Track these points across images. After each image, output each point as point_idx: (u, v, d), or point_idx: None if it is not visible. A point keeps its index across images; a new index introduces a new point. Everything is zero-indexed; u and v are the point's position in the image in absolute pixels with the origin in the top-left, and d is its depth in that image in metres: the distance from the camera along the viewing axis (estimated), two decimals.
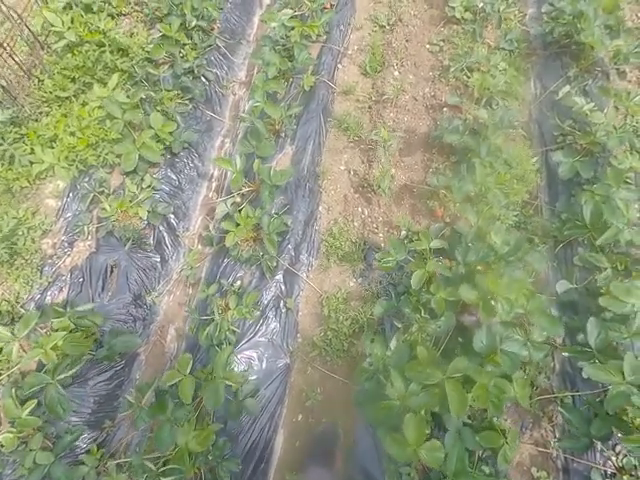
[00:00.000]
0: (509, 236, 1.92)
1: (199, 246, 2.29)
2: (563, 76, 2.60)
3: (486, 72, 2.37)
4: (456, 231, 2.08)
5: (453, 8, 2.60)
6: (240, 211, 2.10)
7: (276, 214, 2.08)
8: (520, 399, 1.57)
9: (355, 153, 2.38)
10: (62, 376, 1.59)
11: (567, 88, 2.49)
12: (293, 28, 2.38)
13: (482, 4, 2.55)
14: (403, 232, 2.08)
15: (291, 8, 2.66)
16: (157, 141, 2.14)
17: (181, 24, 2.38)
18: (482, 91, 2.30)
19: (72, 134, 2.00)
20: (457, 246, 1.94)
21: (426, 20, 2.75)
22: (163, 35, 2.31)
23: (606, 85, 2.53)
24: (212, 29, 2.66)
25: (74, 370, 1.65)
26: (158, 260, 2.16)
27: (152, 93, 2.21)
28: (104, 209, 1.98)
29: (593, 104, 2.22)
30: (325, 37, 2.65)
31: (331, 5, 2.79)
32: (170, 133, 2.17)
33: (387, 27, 2.71)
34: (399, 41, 2.64)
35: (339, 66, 2.61)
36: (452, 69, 2.42)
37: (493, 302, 1.62)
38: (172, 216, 2.23)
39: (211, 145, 2.53)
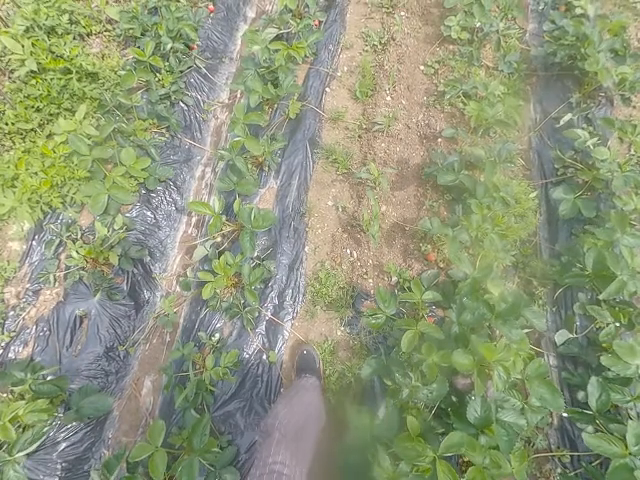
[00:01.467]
0: (506, 289, 1.82)
1: (177, 288, 2.15)
2: (565, 101, 2.46)
3: (483, 101, 2.22)
4: (450, 279, 1.96)
5: (449, 27, 2.44)
6: (219, 255, 1.96)
7: (258, 260, 1.94)
8: (517, 475, 1.47)
9: (344, 187, 2.24)
10: (22, 453, 1.45)
11: (569, 116, 2.36)
12: (277, 51, 2.21)
13: (479, 24, 2.39)
14: (394, 278, 1.95)
15: (276, 26, 2.49)
16: (130, 177, 1.98)
17: (156, 46, 2.20)
18: (479, 121, 2.16)
19: (34, 174, 1.83)
20: (451, 299, 1.83)
21: (420, 39, 2.59)
22: (137, 60, 2.13)
23: (610, 115, 2.40)
24: (191, 48, 2.48)
25: (37, 444, 1.51)
26: (132, 306, 2.01)
27: (124, 125, 2.04)
28: (71, 257, 1.83)
29: (597, 138, 2.09)
30: (312, 58, 2.48)
31: (319, 22, 2.61)
32: (144, 169, 2.01)
33: (379, 47, 2.53)
34: (391, 62, 2.47)
35: (327, 90, 2.45)
36: (447, 96, 2.27)
37: (488, 370, 1.51)
38: (148, 257, 2.09)
39: (191, 175, 2.37)
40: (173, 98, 2.24)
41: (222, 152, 1.98)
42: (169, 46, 2.18)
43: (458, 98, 2.28)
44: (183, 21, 2.22)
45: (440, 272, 1.92)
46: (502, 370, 1.49)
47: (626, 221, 1.90)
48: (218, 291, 1.86)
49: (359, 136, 2.32)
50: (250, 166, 2.11)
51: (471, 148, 1.99)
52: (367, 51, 2.55)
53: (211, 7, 2.61)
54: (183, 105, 2.37)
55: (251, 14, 2.86)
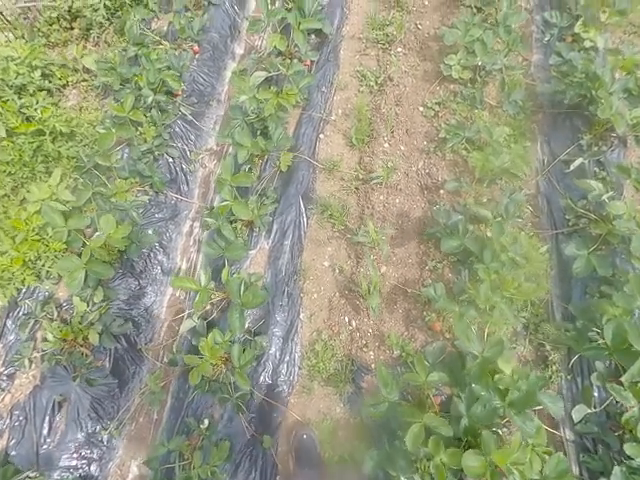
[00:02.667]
0: (518, 368, 1.68)
1: (165, 358, 2.01)
2: (574, 142, 2.29)
3: (487, 148, 2.07)
4: (458, 351, 1.81)
5: (449, 67, 2.28)
6: (208, 327, 1.83)
7: (249, 334, 1.80)
8: None
9: (341, 245, 2.09)
10: None
11: (579, 160, 2.20)
12: (266, 99, 2.07)
13: (481, 62, 2.24)
14: (396, 352, 1.81)
15: (264, 69, 2.34)
16: (109, 248, 1.84)
17: (137, 98, 2.05)
18: (484, 172, 2.01)
19: (5, 253, 1.70)
20: (459, 377, 1.68)
21: (419, 77, 2.43)
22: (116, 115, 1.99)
23: (623, 157, 2.24)
24: (175, 95, 2.33)
25: None
26: (116, 384, 1.87)
27: (103, 189, 1.90)
28: (47, 341, 1.69)
29: (611, 191, 1.95)
30: (304, 102, 2.33)
31: (311, 62, 2.46)
32: (126, 237, 1.88)
33: (375, 87, 2.38)
34: (389, 105, 2.32)
35: (321, 136, 2.30)
36: (449, 143, 2.12)
37: (503, 474, 1.37)
38: (132, 328, 1.95)
39: (178, 232, 2.23)
40: (156, 153, 2.10)
41: (208, 220, 1.85)
42: (150, 99, 2.04)
43: (461, 145, 2.13)
44: (165, 71, 2.07)
45: (446, 344, 1.78)
46: (518, 475, 1.36)
47: None
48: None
49: (356, 188, 2.18)
50: (239, 227, 1.97)
51: (476, 207, 1.84)
52: (362, 92, 2.40)
53: (196, 48, 2.46)
54: (168, 157, 2.23)
55: (239, 50, 2.71)
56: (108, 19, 2.33)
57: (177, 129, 2.34)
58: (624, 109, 2.06)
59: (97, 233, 1.89)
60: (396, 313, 1.94)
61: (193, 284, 1.71)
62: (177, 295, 2.14)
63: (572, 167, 2.20)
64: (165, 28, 2.50)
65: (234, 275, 1.85)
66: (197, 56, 2.49)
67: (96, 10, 2.22)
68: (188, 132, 2.38)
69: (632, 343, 1.63)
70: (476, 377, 1.59)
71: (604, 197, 1.90)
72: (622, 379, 1.60)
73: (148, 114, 2.13)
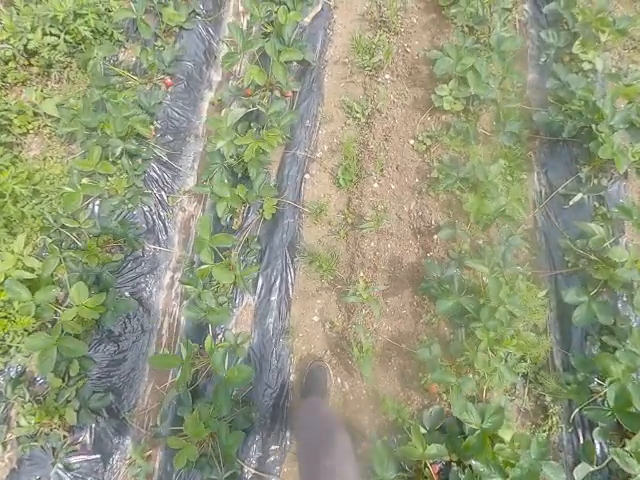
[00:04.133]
0: (520, 434, 1.61)
1: (151, 423, 1.92)
2: (573, 173, 2.18)
3: (483, 188, 1.96)
4: (456, 420, 1.73)
5: (441, 98, 2.13)
6: (192, 398, 1.73)
7: (236, 407, 1.70)
8: None
9: (331, 297, 1.98)
10: None
11: (579, 196, 2.10)
12: (247, 146, 1.92)
13: (474, 92, 2.10)
14: (392, 417, 1.73)
15: (243, 104, 2.17)
16: (82, 320, 1.72)
17: (105, 147, 1.89)
18: (479, 217, 1.90)
19: None
20: (458, 447, 1.61)
21: (409, 105, 2.28)
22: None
23: (624, 189, 2.14)
24: (146, 138, 2.16)
25: None
26: (99, 459, 1.78)
27: (72, 253, 1.76)
28: (20, 426, 1.59)
29: (613, 238, 1.85)
30: (288, 141, 2.17)
31: (293, 93, 2.30)
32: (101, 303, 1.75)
33: (362, 119, 2.23)
34: (377, 140, 2.18)
35: (306, 176, 2.16)
36: (442, 185, 2.00)
37: None
38: (112, 398, 1.85)
39: (158, 286, 2.10)
40: (130, 205, 1.95)
41: (187, 287, 1.72)
42: (119, 149, 1.87)
43: (455, 185, 2.01)
44: (134, 117, 1.90)
45: (443, 409, 1.71)
46: None
47: None
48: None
49: (345, 233, 2.05)
50: (222, 285, 1.85)
51: (472, 261, 1.74)
52: (349, 125, 2.25)
53: (168, 81, 2.27)
54: (143, 206, 2.09)
55: (216, 77, 2.53)
56: (70, 54, 2.13)
57: (152, 172, 2.18)
58: (625, 146, 1.94)
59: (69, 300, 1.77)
60: (391, 371, 1.85)
61: (174, 360, 1.60)
62: (160, 354, 2.04)
63: (571, 203, 2.09)
64: (134, 59, 2.31)
65: (218, 343, 1.74)
66: (170, 89, 2.31)
67: (55, 47, 2.02)
68: (164, 174, 2.22)
69: (636, 406, 1.57)
70: (476, 450, 1.53)
71: (606, 244, 1.80)
72: (627, 448, 1.54)
73: (118, 162, 1.97)
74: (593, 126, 1.96)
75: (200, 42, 2.47)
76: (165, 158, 2.20)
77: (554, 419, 1.85)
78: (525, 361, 1.88)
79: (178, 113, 2.33)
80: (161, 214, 2.15)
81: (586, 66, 2.24)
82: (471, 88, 2.07)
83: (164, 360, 1.62)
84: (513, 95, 2.25)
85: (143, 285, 2.04)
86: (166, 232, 2.16)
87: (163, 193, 2.18)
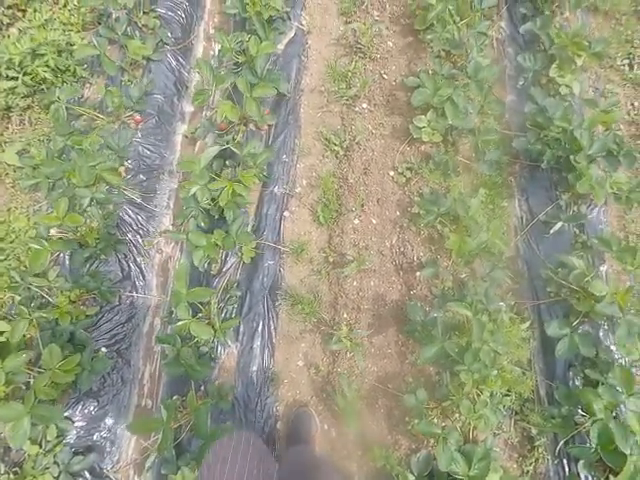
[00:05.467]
0: (507, 477, 1.62)
1: (137, 478, 1.88)
2: (553, 200, 2.18)
3: (464, 224, 1.94)
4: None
5: (419, 129, 2.10)
6: (176, 455, 1.69)
7: None
8: None
9: (315, 339, 1.95)
10: None
11: (559, 224, 2.10)
12: (222, 190, 1.85)
13: (453, 123, 2.06)
14: (380, 464, 1.72)
15: (217, 142, 2.10)
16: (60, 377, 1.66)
17: (71, 198, 1.81)
18: (460, 254, 1.89)
19: None
20: None
21: (387, 135, 2.24)
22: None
23: (604, 216, 2.15)
24: (120, 175, 2.08)
25: None
26: None
27: (43, 314, 1.69)
28: None
29: (593, 272, 1.85)
30: (264, 178, 2.11)
31: (269, 126, 2.23)
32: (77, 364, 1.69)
33: (341, 152, 2.18)
34: (357, 174, 2.14)
35: (286, 214, 2.11)
36: (424, 221, 1.97)
37: None
38: (94, 457, 1.79)
39: (137, 334, 2.03)
40: (102, 257, 1.88)
41: (164, 345, 1.67)
42: (87, 200, 1.79)
43: (436, 221, 1.99)
44: (101, 164, 1.81)
45: (431, 454, 1.70)
46: None
47: (632, 381, 1.70)
48: None
49: (327, 272, 2.02)
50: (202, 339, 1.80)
51: (455, 305, 1.72)
52: (327, 157, 2.20)
53: (137, 117, 2.18)
54: (118, 253, 2.01)
55: (189, 108, 2.43)
56: (30, 95, 2.02)
57: (125, 216, 2.11)
58: (603, 176, 1.94)
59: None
60: (377, 414, 1.84)
61: (154, 424, 1.56)
62: (143, 405, 1.99)
63: (552, 231, 2.09)
64: (100, 96, 2.21)
65: (201, 398, 1.70)
66: (140, 125, 2.22)
67: (14, 89, 1.92)
68: (138, 216, 2.14)
69: (618, 445, 1.59)
70: None
71: (587, 279, 1.81)
72: None
73: (88, 210, 1.89)
74: (571, 157, 1.95)
75: (170, 73, 2.37)
76: (138, 200, 2.12)
77: (540, 450, 1.87)
78: (510, 395, 1.89)
79: (150, 150, 2.24)
80: (137, 259, 2.08)
81: (563, 90, 2.23)
82: (449, 119, 2.04)
83: (144, 425, 1.58)
84: (492, 120, 2.23)
85: (121, 336, 1.97)
86: (143, 277, 2.09)
87: (138, 237, 2.11)
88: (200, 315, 1.81)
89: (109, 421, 1.88)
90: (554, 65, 2.25)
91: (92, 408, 1.85)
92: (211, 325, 1.73)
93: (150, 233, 2.15)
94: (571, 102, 2.25)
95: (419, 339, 1.73)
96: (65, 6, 2.24)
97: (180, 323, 1.64)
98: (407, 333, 1.83)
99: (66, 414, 1.78)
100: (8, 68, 1.90)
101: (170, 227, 2.22)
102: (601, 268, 2.05)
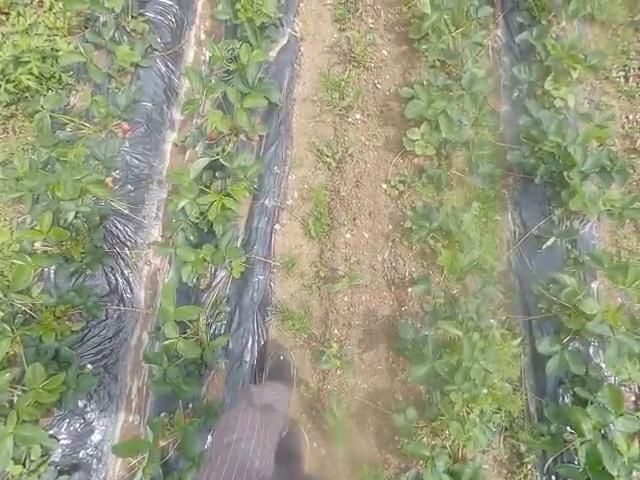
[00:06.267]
0: None
1: None
2: (546, 214, 2.16)
3: (456, 241, 1.92)
4: None
5: (413, 142, 2.07)
6: (164, 470, 1.67)
7: None
8: None
9: (305, 355, 1.93)
10: None
11: (551, 240, 2.08)
12: (211, 204, 1.82)
13: (446, 137, 2.03)
14: None
15: (207, 153, 2.05)
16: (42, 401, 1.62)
17: (55, 212, 1.76)
18: (452, 270, 1.87)
19: None
20: None
21: (380, 146, 2.21)
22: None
23: (596, 231, 2.14)
24: (107, 186, 2.04)
25: None
26: None
27: (27, 332, 1.65)
28: None
29: (584, 291, 1.85)
30: (255, 190, 2.07)
31: (260, 137, 2.19)
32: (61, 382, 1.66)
33: (333, 164, 2.15)
34: (349, 186, 2.11)
35: (277, 227, 2.07)
36: (416, 236, 1.95)
37: None
38: (80, 476, 1.77)
39: (125, 348, 2.00)
40: (88, 271, 1.84)
41: (151, 365, 1.64)
42: (72, 215, 1.75)
43: (428, 236, 1.97)
44: (87, 177, 1.76)
45: (420, 473, 1.70)
46: None
47: (621, 401, 1.70)
48: None
49: (318, 287, 1.99)
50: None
51: (446, 324, 1.71)
52: (319, 169, 2.16)
53: (125, 126, 2.12)
54: (104, 267, 1.97)
55: (179, 116, 2.37)
56: (14, 102, 1.97)
57: (112, 228, 2.06)
58: (596, 194, 1.93)
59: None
60: (367, 431, 1.83)
61: (140, 445, 1.54)
62: (131, 421, 1.96)
63: (544, 247, 2.09)
64: (86, 104, 2.15)
65: (188, 417, 1.68)
66: (128, 134, 2.17)
67: None
68: (126, 228, 2.10)
69: (606, 466, 1.59)
70: None
71: (579, 297, 1.80)
72: None
73: (74, 222, 1.84)
74: (565, 173, 1.94)
75: (159, 79, 2.31)
76: (126, 211, 2.08)
77: (529, 467, 1.88)
78: (500, 412, 1.89)
79: (138, 159, 2.19)
80: (124, 272, 2.04)
81: (558, 103, 2.20)
82: (443, 133, 2.02)
83: (130, 447, 1.56)
84: (487, 132, 2.21)
85: (108, 350, 1.94)
86: (131, 290, 2.06)
87: (126, 249, 2.07)
88: (188, 332, 1.78)
89: (96, 438, 1.85)
90: (549, 77, 2.22)
91: (78, 425, 1.82)
92: (199, 342, 1.71)
93: (138, 245, 2.11)
94: (566, 115, 2.24)
95: (410, 357, 1.72)
96: (50, 9, 2.18)
97: (167, 342, 1.62)
98: (398, 351, 1.82)
99: (51, 432, 1.75)
100: None
101: (159, 238, 2.18)
102: (592, 285, 2.05)
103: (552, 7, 2.40)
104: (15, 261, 1.67)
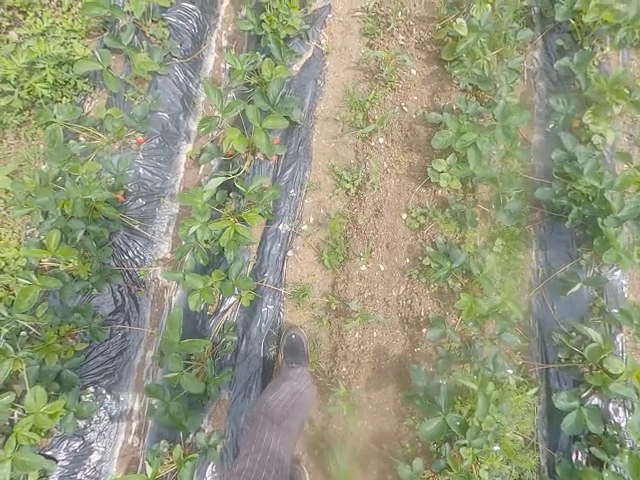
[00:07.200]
0: None
1: None
2: (573, 257, 2.05)
3: (476, 283, 1.83)
4: None
5: (437, 173, 1.96)
6: None
7: None
8: None
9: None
10: None
11: (577, 286, 1.97)
12: (223, 230, 1.74)
13: (474, 172, 1.92)
14: None
15: (224, 165, 1.97)
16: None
17: (64, 230, 1.70)
18: (471, 316, 1.78)
19: None
20: None
21: (402, 174, 2.10)
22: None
23: (623, 280, 2.02)
24: (118, 200, 1.97)
25: None
26: None
27: (29, 353, 1.61)
28: None
29: (611, 349, 1.74)
30: (269, 215, 1.98)
31: (278, 157, 2.10)
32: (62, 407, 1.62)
33: (352, 189, 2.05)
34: (367, 215, 2.01)
35: (290, 253, 2.00)
36: (434, 276, 1.86)
37: None
38: None
39: (128, 368, 1.96)
40: (95, 291, 1.80)
41: (152, 399, 1.60)
42: (81, 234, 1.69)
43: (448, 277, 1.87)
44: (98, 193, 1.69)
45: None
46: None
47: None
48: None
49: (328, 321, 1.92)
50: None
51: (461, 376, 1.63)
52: (337, 194, 2.07)
53: (140, 138, 2.05)
54: (111, 284, 1.92)
55: (195, 126, 2.29)
56: (26, 109, 1.90)
57: (121, 243, 2.01)
58: (631, 246, 1.81)
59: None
60: (370, 476, 1.77)
61: None
62: (130, 442, 1.93)
63: (569, 293, 1.98)
64: (101, 116, 2.07)
65: (188, 452, 1.64)
66: (142, 146, 2.10)
67: (9, 104, 1.79)
68: (135, 244, 2.04)
69: None
70: None
71: (605, 355, 1.70)
72: None
73: (82, 238, 1.79)
74: (599, 220, 1.82)
75: (177, 88, 2.22)
76: (136, 226, 2.02)
77: None
78: (510, 464, 1.82)
79: (151, 172, 2.12)
80: (131, 289, 2.00)
81: (596, 139, 2.07)
82: (471, 167, 1.90)
83: None
84: (516, 164, 2.09)
85: (111, 370, 1.91)
86: (137, 309, 2.01)
87: (134, 265, 2.02)
88: (193, 361, 1.73)
89: (94, 458, 1.83)
90: (588, 110, 2.08)
91: (77, 446, 1.80)
92: (203, 375, 1.65)
93: (147, 261, 2.05)
94: (603, 152, 2.11)
95: (420, 407, 1.65)
96: (69, 10, 2.09)
97: (171, 375, 1.57)
98: (408, 398, 1.74)
99: (49, 452, 1.74)
100: (3, 82, 1.77)
101: (168, 255, 2.12)
102: (618, 337, 1.95)
103: (596, 32, 2.25)
104: (21, 280, 1.62)
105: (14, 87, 1.80)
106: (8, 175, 1.78)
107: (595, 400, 1.85)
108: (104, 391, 1.87)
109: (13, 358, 1.59)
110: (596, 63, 2.27)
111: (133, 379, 1.98)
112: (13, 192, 1.75)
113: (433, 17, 2.27)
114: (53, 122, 1.79)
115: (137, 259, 2.03)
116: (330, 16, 2.30)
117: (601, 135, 2.07)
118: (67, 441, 1.77)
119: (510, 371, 1.80)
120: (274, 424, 1.29)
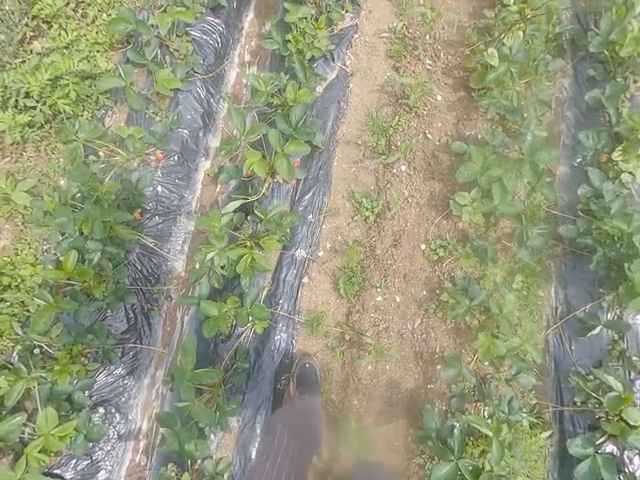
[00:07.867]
0: None
1: None
2: (595, 297, 2.00)
3: (494, 322, 1.79)
4: None
5: (460, 206, 1.92)
6: None
7: None
8: None
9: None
10: None
11: (597, 329, 1.93)
12: (240, 257, 1.72)
13: (498, 208, 1.87)
14: None
15: (242, 186, 1.95)
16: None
17: (81, 250, 1.69)
18: (488, 356, 1.75)
19: None
20: None
21: (423, 204, 2.06)
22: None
23: None
24: (136, 219, 1.96)
25: None
26: None
27: (42, 374, 1.61)
28: None
29: (632, 401, 1.70)
30: (286, 241, 1.96)
31: (297, 181, 2.07)
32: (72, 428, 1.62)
33: (371, 217, 2.02)
34: (385, 245, 1.98)
35: (305, 280, 1.97)
36: (452, 314, 1.82)
37: None
38: None
39: (138, 387, 1.96)
40: (110, 312, 1.79)
41: (162, 428, 1.59)
42: (97, 256, 1.68)
43: (466, 315, 1.84)
44: (118, 215, 1.68)
45: None
46: None
47: None
48: None
49: (342, 352, 1.90)
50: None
51: (475, 420, 1.60)
52: (356, 221, 2.04)
53: (159, 155, 2.03)
54: (124, 304, 1.92)
55: (214, 143, 2.26)
56: (48, 122, 1.88)
57: (136, 262, 1.99)
58: None
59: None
60: None
61: None
62: (137, 461, 1.93)
63: (589, 334, 1.93)
64: (122, 123, 2.05)
65: (195, 475, 1.63)
66: (161, 163, 2.08)
67: (32, 118, 1.78)
68: (150, 262, 2.03)
69: None
70: None
71: (623, 407, 1.66)
72: None
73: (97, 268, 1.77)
74: (625, 265, 1.77)
75: (198, 104, 2.20)
76: (152, 244, 2.01)
77: None
78: None
79: (169, 190, 2.10)
80: (144, 307, 1.99)
81: (625, 177, 2.01)
82: (495, 202, 1.86)
83: None
84: (541, 198, 2.04)
85: (121, 389, 1.90)
86: (149, 327, 2.00)
87: (148, 283, 2.01)
88: (204, 388, 1.72)
89: (102, 477, 1.83)
90: (619, 147, 2.02)
91: (85, 465, 1.80)
92: (215, 404, 1.64)
93: (160, 280, 2.04)
94: (631, 190, 2.05)
95: (432, 448, 1.62)
96: (94, 22, 2.07)
97: (182, 404, 1.55)
98: (420, 439, 1.72)
99: (57, 471, 1.74)
100: (26, 97, 1.76)
101: (182, 273, 2.11)
102: (637, 383, 1.90)
103: (630, 64, 2.18)
104: (37, 300, 1.62)
105: (37, 102, 1.78)
106: (27, 190, 1.77)
107: (610, 446, 1.81)
108: (113, 410, 1.87)
109: (25, 379, 1.59)
110: (628, 96, 2.21)
111: (142, 398, 1.97)
112: (31, 209, 1.74)
113: (462, 42, 2.22)
114: (74, 140, 1.78)
115: (151, 278, 2.02)
116: (356, 36, 2.25)
117: (631, 174, 2.02)
118: (75, 460, 1.78)
119: (525, 414, 1.77)
120: (291, 430, 1.26)
